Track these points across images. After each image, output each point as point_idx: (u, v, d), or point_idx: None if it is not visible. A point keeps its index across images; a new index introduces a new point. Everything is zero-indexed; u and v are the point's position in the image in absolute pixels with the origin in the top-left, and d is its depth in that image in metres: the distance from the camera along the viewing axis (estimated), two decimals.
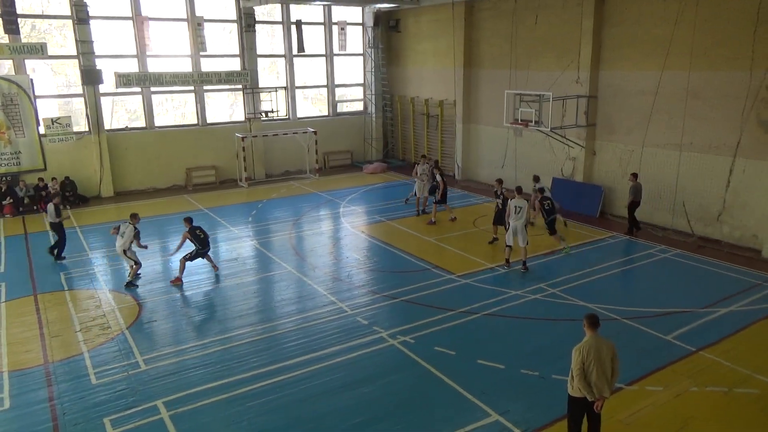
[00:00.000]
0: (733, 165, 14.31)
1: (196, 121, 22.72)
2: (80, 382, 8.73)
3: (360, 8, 25.21)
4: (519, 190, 13.20)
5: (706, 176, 14.94)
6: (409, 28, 24.92)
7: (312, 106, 26.11)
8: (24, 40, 18.87)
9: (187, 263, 12.69)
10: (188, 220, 12.80)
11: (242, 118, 23.33)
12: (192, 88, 22.11)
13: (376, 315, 10.85)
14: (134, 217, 12.62)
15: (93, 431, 7.57)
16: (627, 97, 16.58)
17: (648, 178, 16.26)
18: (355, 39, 25.77)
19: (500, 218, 14.20)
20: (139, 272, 12.84)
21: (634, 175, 15.37)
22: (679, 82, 15.11)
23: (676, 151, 15.48)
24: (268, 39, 24.18)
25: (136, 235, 12.44)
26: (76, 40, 19.60)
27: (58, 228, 14.18)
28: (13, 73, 18.93)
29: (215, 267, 13.20)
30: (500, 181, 14.95)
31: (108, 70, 20.14)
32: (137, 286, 12.44)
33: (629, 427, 7.46)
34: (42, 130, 19.31)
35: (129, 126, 21.69)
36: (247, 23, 22.28)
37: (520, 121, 16.88)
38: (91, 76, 19.74)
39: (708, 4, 14.24)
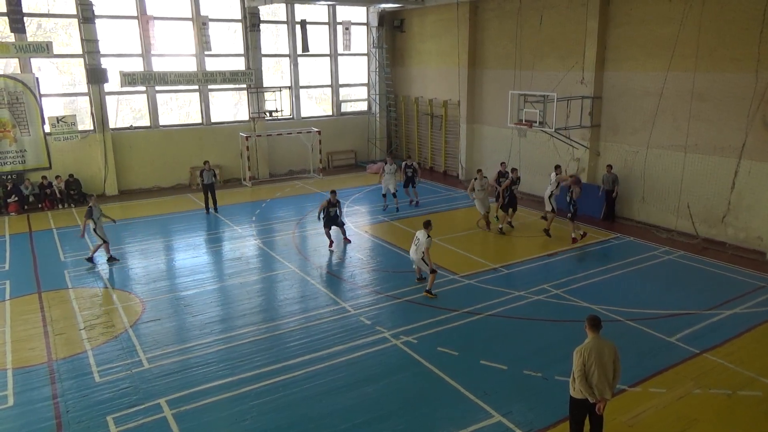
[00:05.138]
0: (738, 167, 14.25)
1: (200, 121, 22.78)
2: (84, 380, 8.77)
3: (364, 8, 25.20)
4: (427, 224, 11.63)
5: (710, 178, 14.88)
6: (413, 28, 24.91)
7: (316, 105, 26.13)
8: (30, 39, 18.94)
9: (329, 230, 14.69)
10: (332, 192, 14.79)
11: (246, 118, 23.36)
12: (196, 87, 22.16)
13: (379, 315, 10.85)
14: (90, 197, 14.45)
15: (96, 429, 7.59)
16: (632, 98, 16.53)
17: (652, 180, 16.23)
18: (360, 39, 25.78)
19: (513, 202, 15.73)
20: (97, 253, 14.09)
21: (610, 167, 16.59)
22: (684, 83, 15.06)
23: (681, 153, 15.43)
24: (273, 38, 24.22)
25: (87, 214, 13.73)
26: (81, 39, 19.67)
27: (211, 188, 18.09)
28: (19, 72, 19.02)
29: (345, 239, 15.15)
30: (516, 170, 16.12)
31: (113, 69, 20.21)
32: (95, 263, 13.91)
33: (632, 428, 7.45)
34: (47, 128, 19.40)
35: (134, 125, 21.75)
36: (251, 23, 22.31)
37: (524, 122, 16.86)
38: (96, 75, 19.81)
39: (713, 5, 14.19)
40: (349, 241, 15.08)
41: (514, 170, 16.03)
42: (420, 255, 11.40)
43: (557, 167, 15.53)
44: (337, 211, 14.61)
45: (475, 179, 15.78)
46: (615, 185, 16.46)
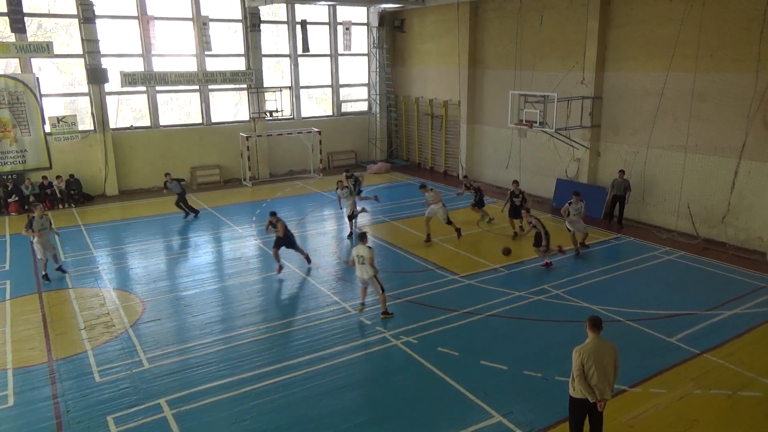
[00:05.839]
0: (739, 167, 14.25)
1: (200, 121, 22.79)
2: (84, 380, 8.77)
3: (365, 8, 25.21)
4: (363, 236, 10.86)
5: (711, 178, 14.89)
6: (413, 28, 24.91)
7: (316, 105, 26.14)
8: (30, 39, 18.95)
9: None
10: (271, 214, 13.23)
11: (247, 118, 23.36)
12: (197, 87, 22.17)
13: (379, 315, 10.84)
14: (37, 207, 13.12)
15: (96, 429, 7.60)
16: (632, 98, 16.53)
17: (653, 180, 16.24)
18: (360, 39, 25.78)
19: (516, 212, 15.30)
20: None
21: (622, 172, 16.25)
22: (684, 83, 15.06)
23: (681, 153, 15.43)
24: (273, 39, 24.22)
25: (27, 225, 12.58)
26: (82, 39, 19.68)
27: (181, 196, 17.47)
28: (20, 72, 19.03)
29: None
30: (516, 183, 15.78)
31: (113, 69, 20.22)
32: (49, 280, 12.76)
33: (632, 429, 7.45)
34: (48, 128, 19.41)
35: (134, 125, 21.76)
36: (252, 23, 22.31)
37: (524, 122, 16.85)
38: (96, 75, 19.82)
39: (714, 5, 14.19)
40: (309, 261, 13.53)
41: (514, 182, 15.70)
42: (372, 272, 10.48)
43: (576, 194, 14.20)
44: (283, 233, 13.02)
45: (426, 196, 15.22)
46: (627, 192, 16.03)
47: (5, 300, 11.84)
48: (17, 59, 19.00)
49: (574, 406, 6.61)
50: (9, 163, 19.08)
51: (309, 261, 13.57)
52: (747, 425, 7.55)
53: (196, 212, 17.97)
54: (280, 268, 13.05)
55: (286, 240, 13.12)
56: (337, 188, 16.05)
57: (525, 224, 14.10)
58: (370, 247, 10.63)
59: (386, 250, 14.73)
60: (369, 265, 10.42)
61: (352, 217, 15.99)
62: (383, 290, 10.76)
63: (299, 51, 23.79)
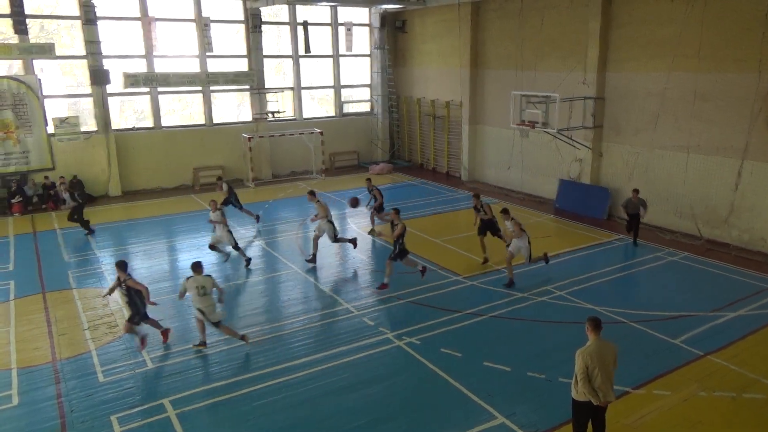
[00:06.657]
0: (741, 167, 14.22)
1: (203, 122, 22.81)
2: (88, 379, 8.79)
3: (366, 9, 25.23)
4: (196, 265, 9.36)
5: (713, 179, 14.86)
6: (415, 28, 24.92)
7: (318, 106, 26.15)
8: (33, 41, 18.99)
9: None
10: (118, 265, 9.54)
11: (249, 119, 23.40)
12: (199, 88, 22.19)
13: (382, 316, 10.86)
14: None
15: (100, 429, 7.61)
16: (634, 99, 16.52)
17: (655, 181, 16.21)
18: (362, 40, 25.80)
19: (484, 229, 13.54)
20: None
21: (636, 191, 14.57)
22: (686, 83, 15.04)
23: (684, 153, 15.40)
24: (275, 40, 24.24)
25: None
26: (84, 41, 19.71)
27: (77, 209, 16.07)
28: (22, 73, 19.06)
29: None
30: (476, 196, 13.73)
31: (116, 70, 20.25)
32: None
33: (636, 431, 7.44)
34: (50, 129, 19.44)
35: (137, 126, 21.79)
36: (253, 24, 22.34)
37: (526, 123, 16.84)
38: (99, 76, 19.85)
39: (715, 5, 14.17)
40: (165, 340, 9.93)
41: (474, 196, 13.67)
42: (214, 302, 9.47)
43: (504, 212, 12.65)
44: (130, 294, 9.48)
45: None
46: (644, 210, 14.35)
47: (9, 300, 11.86)
48: (20, 61, 19.03)
49: (578, 409, 6.59)
50: (12, 164, 19.11)
51: (165, 340, 9.93)
52: (751, 427, 7.53)
53: (90, 230, 16.13)
54: (142, 343, 9.56)
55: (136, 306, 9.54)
56: (211, 209, 13.58)
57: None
58: (209, 276, 9.46)
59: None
60: (211, 294, 9.36)
61: (237, 246, 13.59)
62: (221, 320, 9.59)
63: (301, 52, 23.81)
